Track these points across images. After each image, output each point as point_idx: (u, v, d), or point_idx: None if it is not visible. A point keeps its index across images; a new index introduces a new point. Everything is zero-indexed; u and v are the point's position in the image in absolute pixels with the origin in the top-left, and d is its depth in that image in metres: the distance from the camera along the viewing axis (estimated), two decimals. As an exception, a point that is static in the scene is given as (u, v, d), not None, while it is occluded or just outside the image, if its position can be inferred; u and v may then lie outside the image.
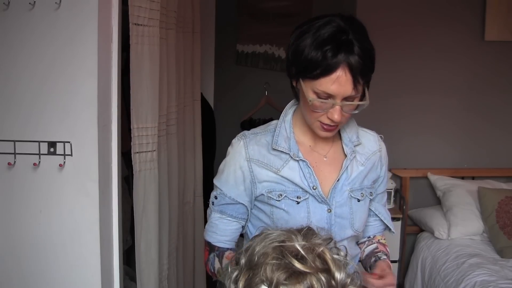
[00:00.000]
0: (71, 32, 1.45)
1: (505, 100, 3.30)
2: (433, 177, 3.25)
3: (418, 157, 3.33)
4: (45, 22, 1.44)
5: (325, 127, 1.26)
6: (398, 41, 3.19)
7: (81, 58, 1.46)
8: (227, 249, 1.39)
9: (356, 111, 1.26)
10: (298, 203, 1.31)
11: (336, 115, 1.21)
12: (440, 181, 3.21)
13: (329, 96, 1.19)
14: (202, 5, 2.50)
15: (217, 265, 1.37)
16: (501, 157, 3.33)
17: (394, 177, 3.27)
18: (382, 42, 3.24)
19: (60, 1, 1.43)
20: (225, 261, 1.34)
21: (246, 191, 1.34)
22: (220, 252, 1.38)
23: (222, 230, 1.38)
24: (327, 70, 1.16)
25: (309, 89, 1.21)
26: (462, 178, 3.30)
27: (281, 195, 1.31)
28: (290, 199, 1.31)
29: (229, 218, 1.37)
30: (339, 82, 1.17)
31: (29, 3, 1.43)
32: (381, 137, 1.45)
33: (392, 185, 3.15)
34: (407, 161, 3.31)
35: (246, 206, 1.36)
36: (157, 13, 1.71)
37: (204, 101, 2.86)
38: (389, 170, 3.23)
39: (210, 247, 1.40)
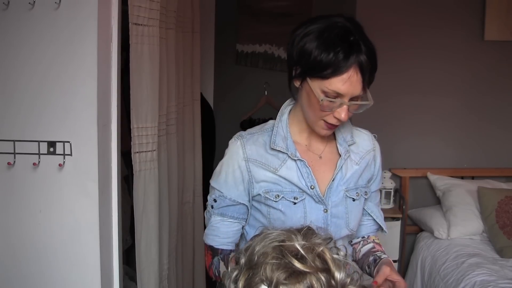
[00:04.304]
0: (71, 32, 1.45)
1: (505, 100, 3.29)
2: (432, 177, 3.25)
3: (418, 157, 3.33)
4: (45, 22, 1.44)
5: (329, 126, 1.28)
6: (398, 41, 3.19)
7: (81, 58, 1.46)
8: (230, 251, 1.37)
9: (360, 111, 1.27)
10: (295, 203, 1.31)
11: (343, 114, 1.22)
12: (439, 181, 3.20)
13: (338, 95, 1.21)
14: (202, 5, 2.50)
15: (222, 268, 1.35)
16: (501, 157, 3.32)
17: (394, 177, 3.26)
18: (382, 42, 3.22)
19: (60, 1, 1.43)
20: (231, 264, 1.30)
21: (246, 191, 1.34)
22: (224, 255, 1.37)
23: (224, 232, 1.36)
24: (340, 71, 1.18)
25: (317, 88, 1.22)
26: (462, 178, 3.30)
27: (278, 195, 1.31)
28: (287, 200, 1.31)
29: (230, 220, 1.36)
30: (350, 82, 1.19)
31: (29, 3, 1.43)
32: (374, 136, 1.46)
33: (392, 185, 3.15)
34: (407, 161, 3.30)
35: (246, 206, 1.35)
36: (157, 13, 1.71)
37: (204, 101, 2.86)
38: (389, 170, 3.24)
39: (213, 251, 1.38)
